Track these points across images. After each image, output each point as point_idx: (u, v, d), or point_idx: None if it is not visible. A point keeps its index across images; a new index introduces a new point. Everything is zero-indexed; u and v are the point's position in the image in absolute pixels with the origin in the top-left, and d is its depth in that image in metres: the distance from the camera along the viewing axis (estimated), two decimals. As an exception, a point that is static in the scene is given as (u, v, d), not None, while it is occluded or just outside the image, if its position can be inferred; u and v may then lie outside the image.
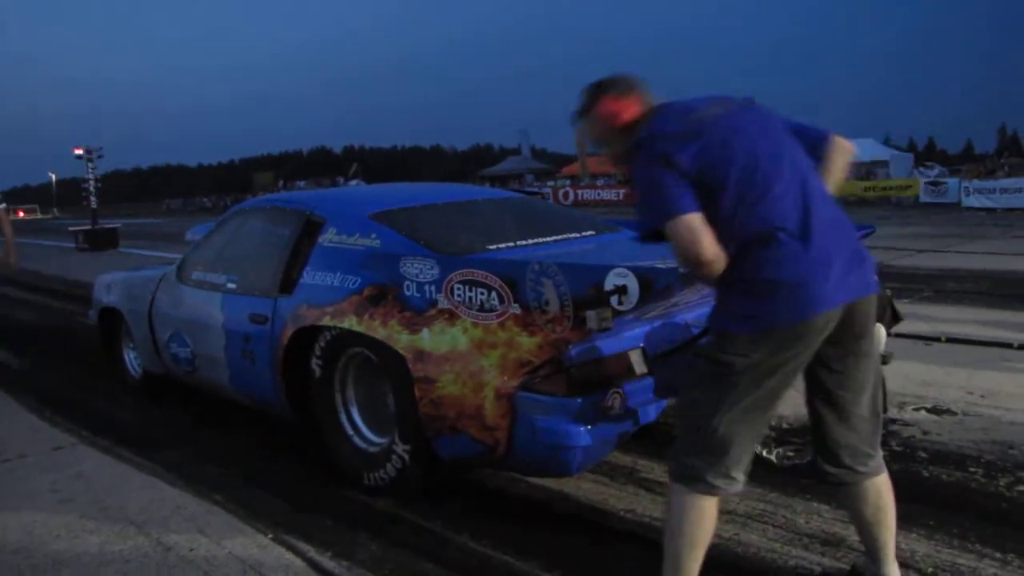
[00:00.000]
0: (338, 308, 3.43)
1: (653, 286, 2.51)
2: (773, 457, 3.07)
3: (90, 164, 22.42)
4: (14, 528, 3.32)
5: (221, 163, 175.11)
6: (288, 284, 3.79)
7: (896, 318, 3.12)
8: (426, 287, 3.15)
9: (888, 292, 3.08)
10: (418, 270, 3.20)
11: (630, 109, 2.31)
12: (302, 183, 55.56)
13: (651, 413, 3.03)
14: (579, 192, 36.86)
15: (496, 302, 2.90)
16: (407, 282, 3.23)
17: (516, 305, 2.84)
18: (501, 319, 2.89)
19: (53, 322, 8.90)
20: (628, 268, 2.53)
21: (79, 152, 22.26)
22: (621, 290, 2.54)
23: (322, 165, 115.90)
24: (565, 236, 3.92)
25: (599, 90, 2.36)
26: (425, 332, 3.09)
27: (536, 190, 30.84)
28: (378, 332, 3.21)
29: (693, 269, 2.16)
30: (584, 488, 3.41)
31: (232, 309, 4.11)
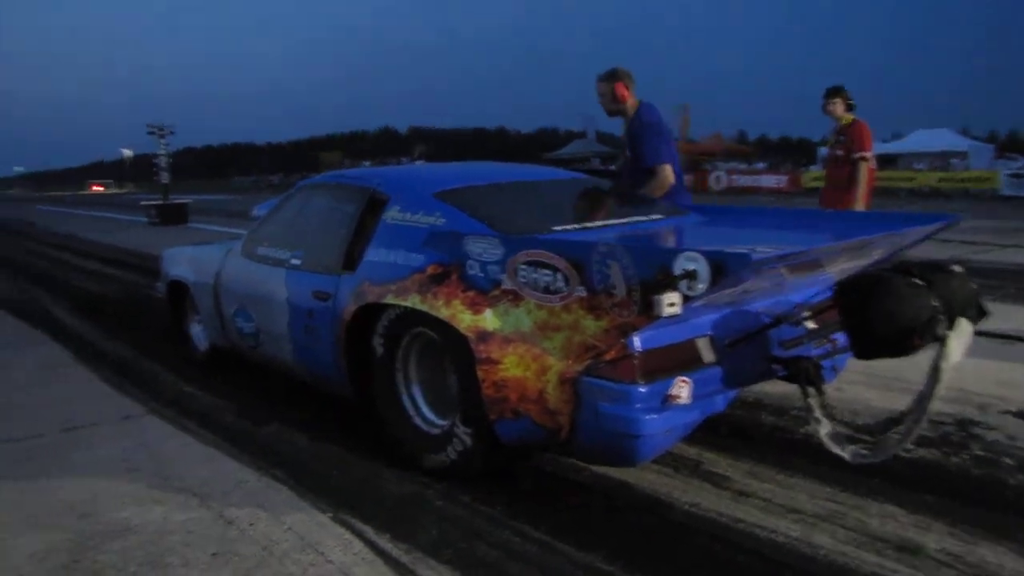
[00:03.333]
0: (401, 286, 3.39)
1: (725, 271, 2.40)
2: (846, 454, 2.93)
3: (162, 141, 22.92)
4: (83, 495, 3.37)
5: (289, 142, 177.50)
6: (351, 261, 3.77)
7: (982, 313, 2.96)
8: (490, 267, 3.09)
9: (974, 286, 2.92)
10: (482, 249, 3.14)
11: (629, 94, 4.65)
12: (367, 163, 56.09)
13: (719, 403, 2.94)
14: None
15: (561, 284, 2.82)
16: (471, 261, 3.17)
17: (582, 288, 2.76)
18: (566, 301, 2.82)
19: (125, 294, 9.09)
20: (699, 252, 2.43)
21: (151, 129, 22.75)
22: (691, 275, 2.43)
23: (388, 145, 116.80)
24: (633, 218, 3.82)
25: (615, 76, 4.70)
26: (488, 313, 3.04)
27: (606, 167, 30.23)
28: (441, 311, 3.16)
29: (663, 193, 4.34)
30: (647, 479, 3.32)
31: (296, 285, 4.11)
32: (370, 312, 3.60)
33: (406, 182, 4.04)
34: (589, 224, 3.62)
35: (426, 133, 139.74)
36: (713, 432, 3.66)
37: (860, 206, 5.96)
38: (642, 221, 3.84)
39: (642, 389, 2.68)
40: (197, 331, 5.56)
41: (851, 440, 3.24)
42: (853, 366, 3.73)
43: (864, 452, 2.92)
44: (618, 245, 2.65)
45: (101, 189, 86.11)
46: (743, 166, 40.51)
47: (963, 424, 3.87)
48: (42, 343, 6.48)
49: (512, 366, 2.93)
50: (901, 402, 3.00)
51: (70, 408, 4.58)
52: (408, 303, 3.32)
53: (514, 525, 2.95)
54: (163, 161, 23.22)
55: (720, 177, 33.08)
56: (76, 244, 16.47)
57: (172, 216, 20.82)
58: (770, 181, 31.57)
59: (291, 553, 2.78)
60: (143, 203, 23.73)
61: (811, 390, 3.02)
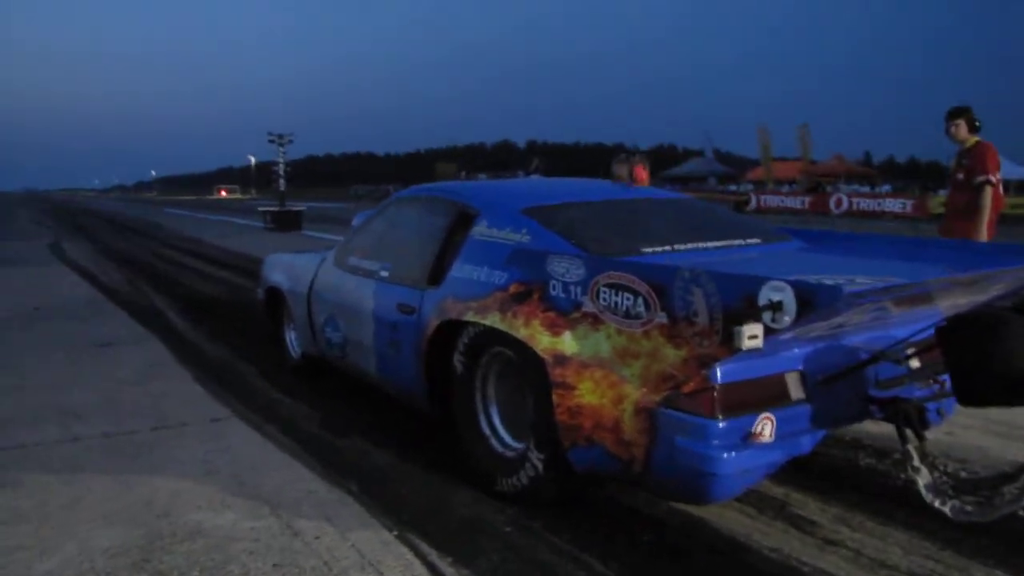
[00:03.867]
0: (482, 304, 3.32)
1: (813, 304, 2.22)
2: (947, 509, 2.68)
3: (281, 149, 23.70)
4: (163, 493, 3.43)
5: (408, 152, 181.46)
6: (437, 276, 3.73)
7: None
8: (571, 287, 2.99)
9: None
10: (564, 269, 3.04)
11: None
12: (483, 175, 56.71)
13: (805, 444, 2.74)
14: (762, 198, 35.41)
15: (642, 309, 2.69)
16: (553, 281, 3.07)
17: (663, 314, 2.63)
18: (646, 327, 2.69)
19: (232, 297, 9.37)
20: (786, 282, 2.26)
21: (271, 137, 23.55)
22: (776, 306, 2.27)
23: (504, 158, 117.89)
24: (728, 243, 3.64)
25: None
26: (567, 335, 2.93)
27: (737, 188, 29.34)
28: (520, 331, 3.08)
29: None
30: (727, 517, 3.14)
31: (383, 297, 4.10)
32: (452, 329, 3.55)
33: (496, 197, 3.98)
34: (681, 247, 3.47)
35: (544, 147, 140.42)
36: (803, 471, 3.46)
37: (982, 235, 5.56)
38: (738, 246, 3.66)
39: (721, 424, 2.53)
40: (291, 338, 5.65)
41: (956, 493, 2.98)
42: (970, 409, 3.44)
43: (969, 508, 2.66)
44: (702, 271, 2.51)
45: (226, 194, 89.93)
46: (866, 189, 39.07)
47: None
48: (149, 342, 6.72)
49: (588, 392, 2.82)
50: (1022, 454, 2.73)
51: (163, 407, 4.71)
52: (488, 321, 3.25)
53: (580, 558, 2.82)
54: (281, 168, 24.01)
55: (841, 200, 31.87)
56: (194, 246, 17.18)
57: (287, 222, 21.49)
58: (895, 205, 30.19)
59: (350, 571, 2.73)
60: (260, 209, 24.60)
61: (910, 435, 2.79)
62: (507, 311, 3.17)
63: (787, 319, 2.27)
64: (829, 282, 2.27)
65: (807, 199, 33.84)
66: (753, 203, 34.58)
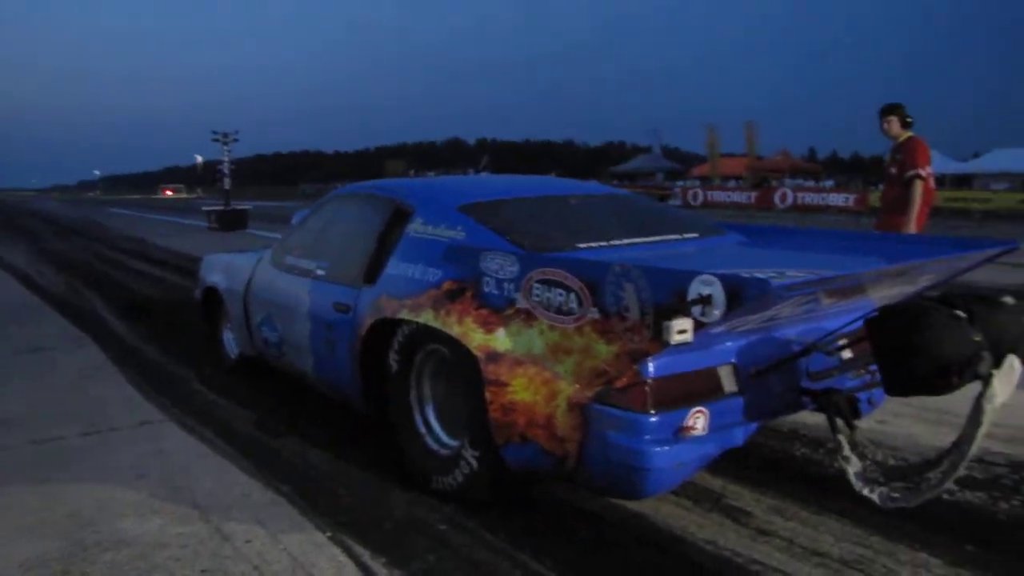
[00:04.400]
0: (416, 301, 3.28)
1: (742, 297, 2.23)
2: (876, 497, 2.72)
3: (225, 147, 23.33)
4: (88, 501, 3.34)
5: (357, 151, 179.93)
6: (372, 274, 3.68)
7: None
8: (505, 284, 2.97)
9: None
10: (498, 266, 3.01)
11: None
12: (432, 172, 56.44)
13: (739, 437, 2.75)
14: (709, 193, 35.82)
15: (574, 305, 2.68)
16: (486, 278, 3.05)
17: (595, 309, 2.61)
18: (579, 323, 2.67)
19: (171, 297, 9.17)
20: (715, 276, 2.26)
21: (216, 136, 23.17)
22: (705, 300, 2.27)
23: (454, 156, 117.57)
24: (664, 237, 3.65)
25: None
26: (500, 332, 2.91)
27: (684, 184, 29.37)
28: (453, 329, 3.05)
29: None
30: (664, 511, 3.15)
31: (319, 296, 4.04)
32: (387, 327, 3.50)
33: (432, 194, 3.93)
34: (617, 242, 3.46)
35: (493, 145, 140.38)
36: (740, 462, 3.48)
37: (912, 228, 5.68)
38: (675, 240, 3.67)
39: (653, 419, 2.52)
40: (229, 338, 5.54)
41: (885, 481, 3.02)
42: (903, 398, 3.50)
43: (896, 495, 2.70)
44: (632, 266, 2.50)
45: (172, 194, 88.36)
46: (810, 184, 39.69)
47: (1017, 467, 3.60)
48: (86, 345, 6.55)
49: (521, 389, 2.80)
50: (951, 439, 2.77)
51: (96, 412, 4.59)
52: (421, 319, 3.21)
53: (516, 556, 2.80)
54: (226, 167, 23.63)
55: (786, 194, 32.34)
56: (136, 247, 16.80)
57: (232, 222, 21.13)
58: (838, 199, 30.72)
59: (281, 575, 2.67)
60: (204, 208, 24.17)
61: (841, 425, 2.82)
62: (440, 309, 3.14)
63: (717, 313, 2.27)
64: (758, 275, 2.28)
65: (753, 194, 34.30)
66: (700, 198, 34.97)
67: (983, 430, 2.48)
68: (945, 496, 3.13)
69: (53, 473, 3.67)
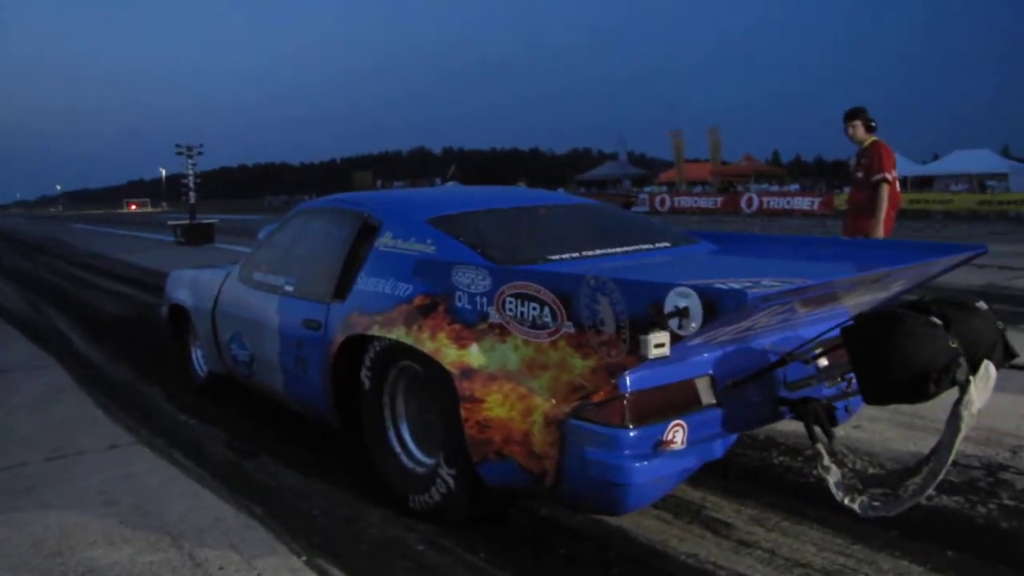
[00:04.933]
0: (387, 317, 3.23)
1: (719, 309, 2.20)
2: (856, 506, 2.70)
3: (190, 160, 23.07)
4: (54, 530, 3.24)
5: (323, 162, 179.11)
6: (342, 289, 3.62)
7: (1010, 355, 2.72)
8: (477, 298, 2.92)
9: (1000, 325, 2.68)
10: (470, 280, 2.97)
11: None
12: (399, 183, 56.28)
13: (717, 449, 2.72)
14: (676, 199, 36.00)
15: (548, 319, 2.64)
16: (458, 292, 3.00)
17: (570, 323, 2.58)
18: (553, 338, 2.63)
19: (137, 314, 9.03)
20: (691, 287, 2.24)
21: (179, 149, 22.91)
22: (682, 312, 2.24)
23: (421, 166, 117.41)
24: (637, 247, 3.62)
25: None
26: (474, 347, 2.86)
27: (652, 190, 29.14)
28: (425, 345, 2.99)
29: None
30: (644, 525, 3.11)
31: (288, 313, 3.97)
32: (359, 344, 3.44)
33: (400, 207, 3.88)
34: (589, 253, 3.43)
35: (460, 154, 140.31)
36: (719, 473, 3.45)
37: (879, 231, 5.71)
38: (647, 250, 3.64)
39: (631, 434, 2.49)
40: (197, 356, 5.44)
41: (864, 489, 3.01)
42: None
43: (876, 504, 2.69)
44: (607, 278, 2.46)
45: (137, 208, 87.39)
46: (775, 188, 40.07)
47: (992, 469, 3.61)
48: (49, 366, 6.40)
49: (496, 405, 2.75)
50: (926, 444, 2.78)
51: (60, 435, 4.47)
52: (393, 335, 3.16)
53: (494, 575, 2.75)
54: (191, 180, 23.37)
55: (752, 199, 32.61)
56: (101, 263, 16.55)
57: (198, 236, 20.88)
58: (803, 203, 31.01)
59: (255, 603, 2.61)
60: (170, 223, 23.88)
61: (820, 433, 2.80)
62: (412, 324, 3.08)
63: (694, 325, 2.25)
64: (735, 286, 2.25)
65: (719, 199, 34.54)
66: (668, 204, 35.13)
67: (961, 436, 2.47)
68: (925, 501, 3.12)
69: (15, 500, 3.57)
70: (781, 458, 3.80)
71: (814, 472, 3.53)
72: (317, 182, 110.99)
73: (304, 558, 2.91)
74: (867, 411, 4.01)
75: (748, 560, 2.83)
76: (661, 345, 2.27)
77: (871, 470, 2.98)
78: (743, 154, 51.16)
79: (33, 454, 4.17)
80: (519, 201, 4.18)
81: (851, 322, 2.65)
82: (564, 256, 3.31)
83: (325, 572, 2.81)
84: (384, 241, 3.56)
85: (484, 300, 2.89)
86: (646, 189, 43.45)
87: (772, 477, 3.60)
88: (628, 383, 2.51)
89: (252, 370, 4.41)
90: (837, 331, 2.84)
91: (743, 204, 32.53)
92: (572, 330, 2.57)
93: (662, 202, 35.68)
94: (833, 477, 2.74)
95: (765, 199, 32.66)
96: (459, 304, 2.99)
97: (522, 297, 2.73)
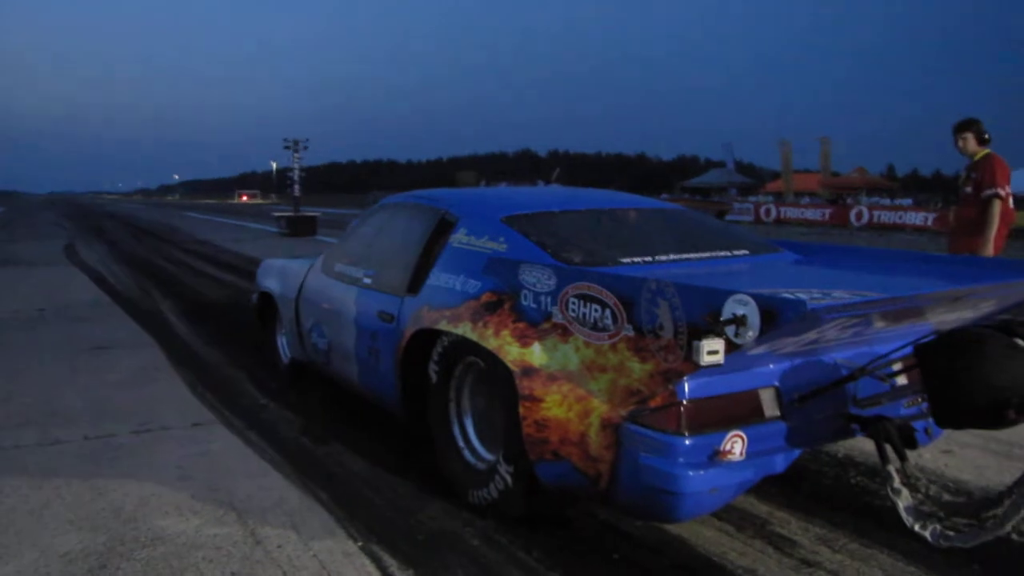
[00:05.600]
0: (455, 313, 3.25)
1: (778, 318, 2.13)
2: (927, 534, 2.57)
3: (296, 155, 23.76)
4: (133, 498, 3.39)
5: (430, 160, 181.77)
6: (416, 284, 3.67)
7: None
8: (542, 298, 2.91)
9: None
10: (536, 279, 2.97)
11: None
12: (504, 183, 56.61)
13: (779, 464, 2.63)
14: (782, 209, 35.03)
15: (609, 321, 2.61)
16: (525, 291, 3.00)
17: (630, 326, 2.54)
18: (613, 340, 2.60)
19: (233, 301, 9.35)
20: (751, 295, 2.17)
21: (287, 143, 23.62)
22: (740, 320, 2.18)
23: (526, 168, 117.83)
24: (712, 254, 3.55)
25: None
26: (536, 346, 2.86)
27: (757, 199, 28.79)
28: (489, 342, 3.00)
29: None
30: (705, 535, 3.04)
31: (364, 304, 4.04)
32: (428, 338, 3.48)
33: (476, 205, 3.91)
34: (662, 258, 3.38)
35: (565, 157, 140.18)
36: (789, 489, 3.36)
37: (989, 250, 5.40)
38: (724, 257, 3.56)
39: (687, 442, 2.43)
40: (282, 343, 5.60)
41: (939, 517, 2.86)
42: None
43: (951, 533, 2.55)
44: (667, 282, 2.42)
45: (247, 199, 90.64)
46: (886, 202, 38.63)
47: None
48: (148, 345, 6.69)
49: (555, 405, 2.73)
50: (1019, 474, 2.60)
51: (150, 411, 4.67)
52: (460, 331, 3.18)
53: (546, 576, 2.74)
54: (296, 174, 24.07)
55: (862, 212, 31.48)
56: (208, 250, 17.22)
57: (301, 227, 21.52)
58: (916, 218, 29.73)
59: (307, 583, 2.67)
60: (275, 214, 24.65)
61: (892, 454, 2.68)
62: (478, 321, 3.10)
63: (751, 334, 2.18)
64: (795, 296, 2.18)
65: (827, 211, 33.49)
66: (773, 214, 34.24)
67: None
68: (1016, 537, 2.93)
69: (102, 468, 3.75)
70: (858, 478, 3.66)
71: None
72: (423, 180, 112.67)
73: (360, 543, 2.96)
74: (958, 436, 3.83)
75: (808, 581, 2.73)
76: (715, 352, 2.22)
77: (947, 497, 2.83)
78: (854, 167, 49.55)
79: (123, 426, 4.37)
80: (600, 203, 4.14)
81: (927, 341, 2.53)
82: (636, 260, 3.27)
83: (378, 558, 2.85)
84: (458, 237, 3.59)
85: (548, 300, 2.88)
86: (751, 198, 42.50)
87: (846, 497, 3.46)
88: (686, 390, 2.46)
89: (329, 359, 4.51)
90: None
91: (852, 217, 31.44)
92: (632, 333, 2.54)
93: (767, 212, 34.77)
94: (903, 501, 2.62)
95: (875, 212, 31.47)
96: (524, 303, 2.98)
97: (585, 298, 2.71)
